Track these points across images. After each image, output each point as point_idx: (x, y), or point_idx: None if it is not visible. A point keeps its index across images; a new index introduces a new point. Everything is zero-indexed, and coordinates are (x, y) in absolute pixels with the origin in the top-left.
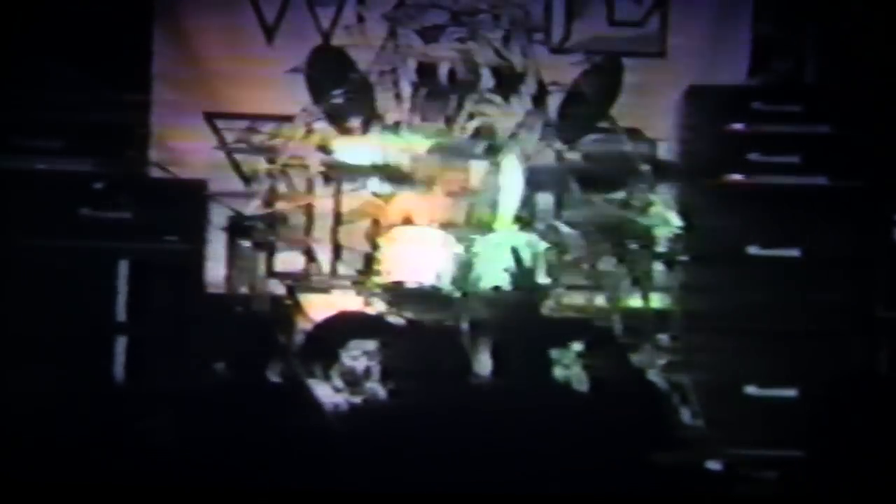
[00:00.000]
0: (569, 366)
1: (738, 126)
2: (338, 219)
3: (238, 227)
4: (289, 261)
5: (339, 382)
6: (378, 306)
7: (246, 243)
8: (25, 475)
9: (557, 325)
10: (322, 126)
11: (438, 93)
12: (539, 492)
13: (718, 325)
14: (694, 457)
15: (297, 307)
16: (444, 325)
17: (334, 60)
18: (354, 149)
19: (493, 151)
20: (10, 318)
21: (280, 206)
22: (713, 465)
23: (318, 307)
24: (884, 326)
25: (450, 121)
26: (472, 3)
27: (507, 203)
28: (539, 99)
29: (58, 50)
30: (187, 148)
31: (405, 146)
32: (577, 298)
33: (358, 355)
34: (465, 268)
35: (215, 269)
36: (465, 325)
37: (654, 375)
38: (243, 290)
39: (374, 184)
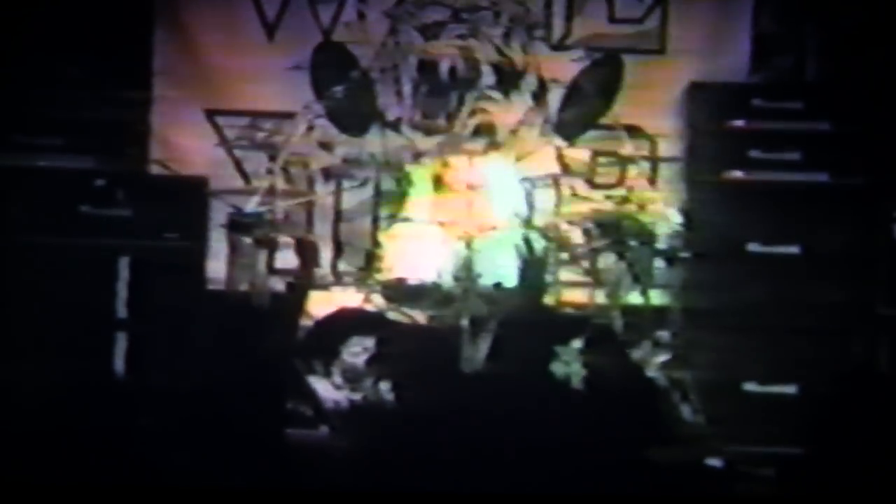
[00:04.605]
0: (569, 363)
1: (738, 123)
2: (338, 216)
3: (239, 224)
4: (289, 258)
5: (339, 379)
6: (379, 303)
7: (247, 240)
8: (25, 475)
9: (558, 322)
10: (323, 123)
11: (439, 90)
12: (538, 490)
13: (719, 321)
14: (694, 454)
15: (298, 304)
16: (445, 322)
17: (336, 57)
18: (355, 146)
19: (493, 148)
20: (12, 315)
21: (281, 203)
22: (713, 462)
23: (319, 304)
24: (884, 323)
25: (451, 118)
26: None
27: (508, 200)
28: (539, 96)
29: (58, 47)
30: (188, 145)
31: (406, 143)
32: (578, 295)
33: (359, 352)
34: (466, 264)
35: (216, 266)
36: (465, 322)
37: (654, 372)
38: (244, 286)
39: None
